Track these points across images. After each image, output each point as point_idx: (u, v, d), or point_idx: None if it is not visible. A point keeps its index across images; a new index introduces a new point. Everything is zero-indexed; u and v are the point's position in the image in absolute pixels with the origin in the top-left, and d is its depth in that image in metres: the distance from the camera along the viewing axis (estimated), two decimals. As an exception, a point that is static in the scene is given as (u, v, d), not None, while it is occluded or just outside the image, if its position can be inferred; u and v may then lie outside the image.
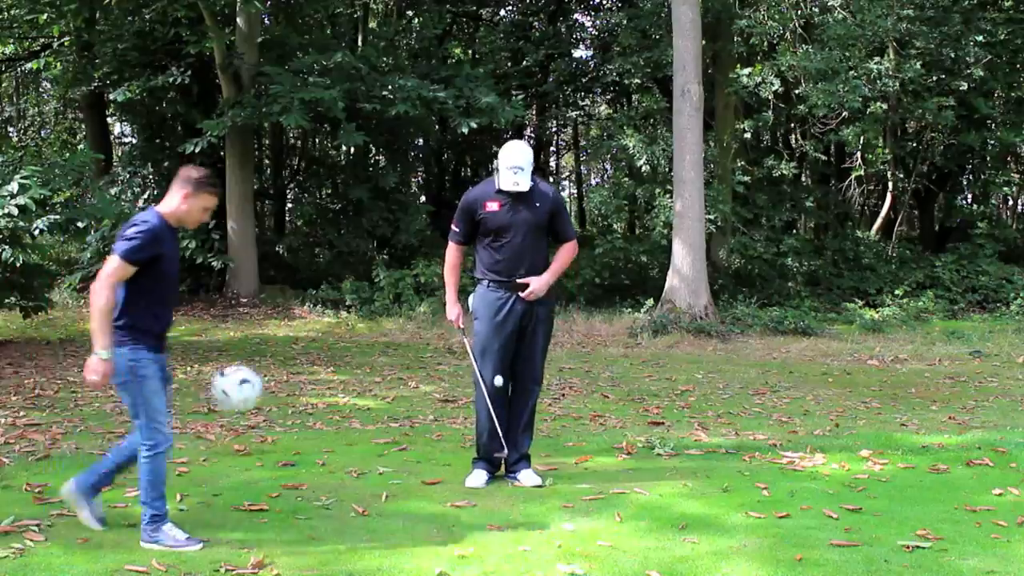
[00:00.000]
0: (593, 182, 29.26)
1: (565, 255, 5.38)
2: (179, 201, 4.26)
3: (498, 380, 5.13)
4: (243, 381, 4.45)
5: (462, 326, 5.32)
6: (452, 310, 5.34)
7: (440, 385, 8.92)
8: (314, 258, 18.70)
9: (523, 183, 5.07)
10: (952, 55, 15.63)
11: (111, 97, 15.73)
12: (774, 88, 15.21)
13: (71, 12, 15.41)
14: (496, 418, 5.12)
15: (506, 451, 5.15)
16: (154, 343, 4.18)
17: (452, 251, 5.38)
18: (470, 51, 23.50)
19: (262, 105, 13.98)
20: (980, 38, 15.45)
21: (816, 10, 15.68)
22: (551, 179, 26.01)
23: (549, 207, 5.21)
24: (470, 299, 5.34)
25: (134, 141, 18.15)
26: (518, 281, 5.14)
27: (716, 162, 16.45)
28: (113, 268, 4.02)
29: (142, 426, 4.15)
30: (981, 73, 15.42)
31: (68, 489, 4.31)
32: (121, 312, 4.09)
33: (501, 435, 5.13)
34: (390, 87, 14.56)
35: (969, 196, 21.20)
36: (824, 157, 18.95)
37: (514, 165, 5.06)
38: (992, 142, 18.38)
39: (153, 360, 4.15)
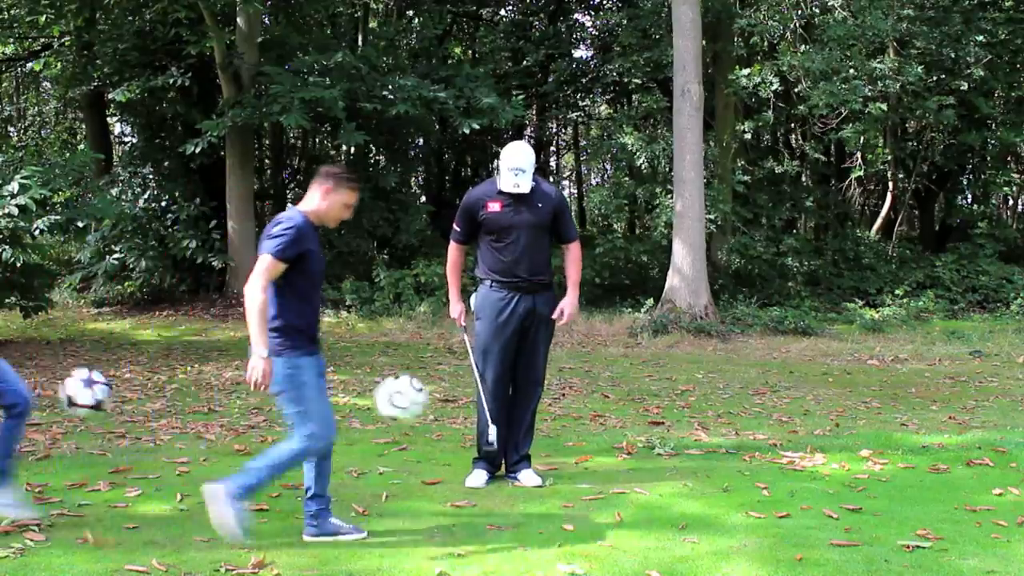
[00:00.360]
0: (593, 182, 29.27)
1: (576, 261, 5.39)
2: (320, 198, 4.19)
3: (491, 433, 5.11)
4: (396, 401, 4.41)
5: (464, 324, 5.33)
6: (455, 308, 5.37)
7: (440, 385, 8.92)
8: (314, 258, 18.68)
9: (524, 185, 5.07)
10: (952, 55, 15.63)
11: (111, 97, 15.75)
12: (774, 88, 15.22)
13: (71, 12, 15.41)
14: (492, 415, 5.11)
15: (495, 445, 5.12)
16: (310, 345, 4.15)
17: (453, 250, 5.39)
18: (470, 51, 23.50)
19: (262, 105, 13.98)
20: (980, 38, 15.45)
21: (816, 10, 15.69)
22: (551, 179, 25.97)
23: (551, 208, 5.21)
24: (472, 299, 5.35)
25: (134, 141, 18.14)
26: (553, 317, 5.24)
27: (716, 162, 16.46)
28: (264, 267, 3.99)
29: (305, 432, 4.09)
30: (981, 73, 15.42)
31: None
32: (274, 316, 4.06)
33: (493, 430, 5.10)
34: (390, 87, 14.56)
35: (969, 196, 21.21)
36: (824, 157, 18.96)
37: (515, 167, 5.05)
38: (992, 142, 18.39)
39: (310, 364, 4.11)
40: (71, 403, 4.30)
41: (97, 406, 4.33)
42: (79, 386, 4.28)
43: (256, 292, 3.96)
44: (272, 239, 4.03)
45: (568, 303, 5.29)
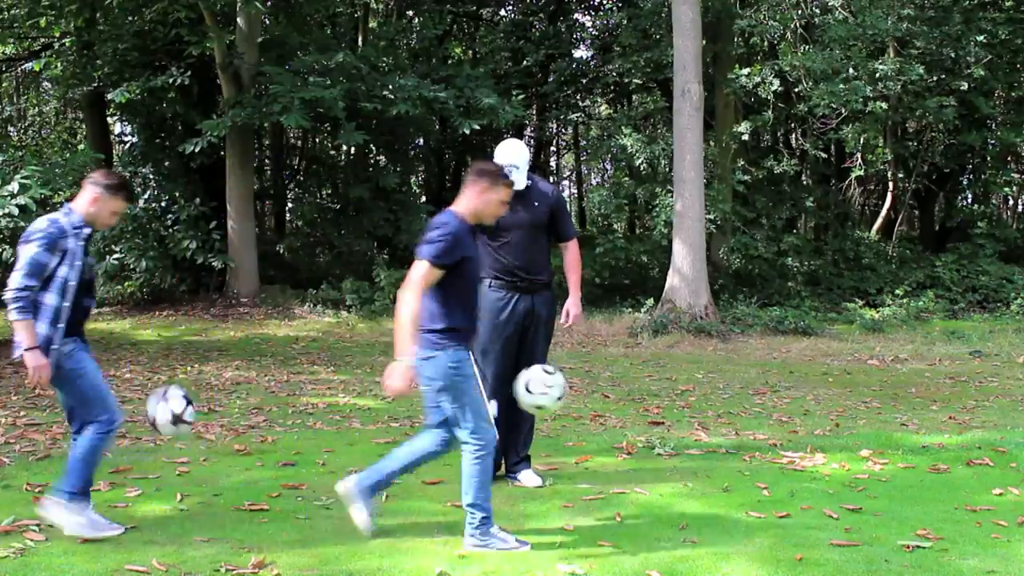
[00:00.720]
0: (593, 182, 29.28)
1: (576, 261, 5.39)
2: (475, 196, 4.19)
3: (492, 407, 5.13)
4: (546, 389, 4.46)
5: None
6: None
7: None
8: (314, 258, 18.71)
9: (518, 181, 5.07)
10: (953, 55, 15.64)
11: (111, 97, 15.79)
12: (774, 88, 15.22)
13: (71, 13, 15.42)
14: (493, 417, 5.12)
15: (500, 463, 5.16)
16: (468, 344, 4.17)
17: None
18: (470, 51, 23.50)
19: (262, 105, 13.99)
20: (981, 38, 15.46)
21: (816, 10, 15.69)
22: (551, 179, 25.97)
23: (548, 206, 5.21)
24: None
25: (134, 141, 18.15)
26: (561, 323, 5.30)
27: (716, 162, 16.46)
28: (422, 273, 3.98)
29: (468, 428, 4.08)
30: (982, 73, 15.43)
31: (348, 487, 4.20)
32: (439, 317, 4.06)
33: (494, 404, 5.10)
34: (390, 87, 14.57)
35: (969, 196, 21.21)
36: (824, 156, 18.97)
37: (508, 163, 5.06)
38: (992, 142, 18.40)
39: (470, 361, 4.14)
40: (153, 425, 4.32)
41: (176, 420, 4.31)
42: (153, 403, 4.32)
43: (411, 299, 3.95)
44: (430, 244, 4.02)
45: (572, 305, 5.31)
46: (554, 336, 5.60)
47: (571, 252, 5.38)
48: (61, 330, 4.05)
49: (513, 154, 5.08)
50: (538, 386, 4.46)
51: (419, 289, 3.96)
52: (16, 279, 3.97)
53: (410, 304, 3.94)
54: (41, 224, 4.06)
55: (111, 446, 4.19)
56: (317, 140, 21.25)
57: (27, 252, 4.00)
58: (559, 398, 4.52)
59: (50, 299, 4.02)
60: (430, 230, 4.08)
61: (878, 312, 14.99)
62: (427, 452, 4.26)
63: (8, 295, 3.97)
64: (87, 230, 4.15)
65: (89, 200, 4.16)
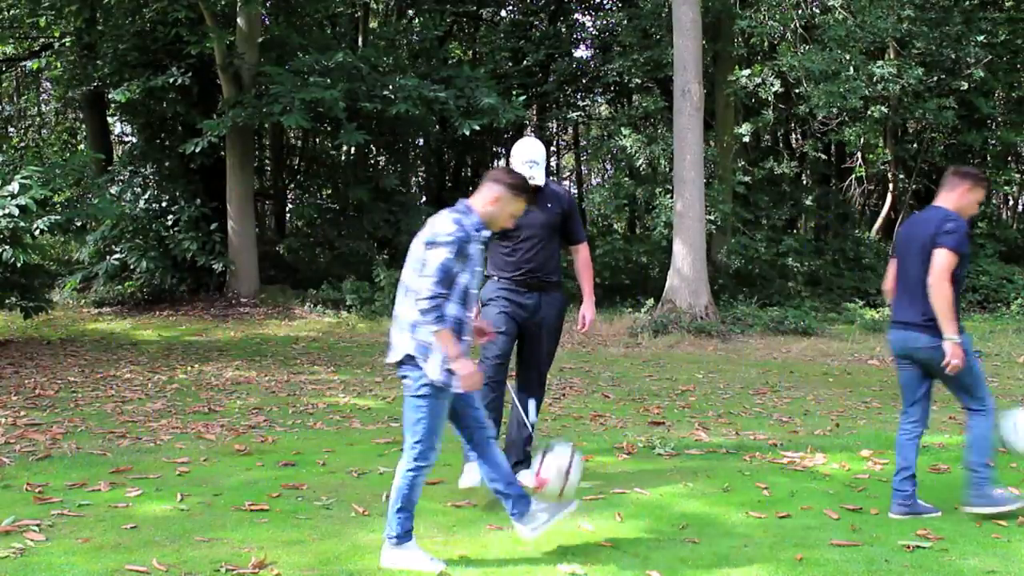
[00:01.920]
0: (593, 182, 29.26)
1: (587, 265, 5.39)
2: (958, 197, 4.63)
3: (531, 409, 5.12)
4: None
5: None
6: None
7: (440, 385, 8.90)
8: (314, 258, 18.70)
9: (538, 177, 5.08)
10: (953, 55, 15.65)
11: (111, 97, 15.76)
12: (774, 89, 15.22)
13: (71, 13, 15.42)
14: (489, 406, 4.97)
15: (534, 423, 5.13)
16: (962, 332, 4.56)
17: None
18: (470, 51, 23.51)
19: (263, 105, 13.98)
20: (981, 38, 15.47)
21: (816, 10, 15.69)
22: (552, 178, 25.87)
23: (561, 209, 5.20)
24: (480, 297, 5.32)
25: (134, 141, 18.13)
26: (579, 330, 5.36)
27: (716, 162, 16.46)
28: (948, 262, 4.45)
29: (982, 396, 4.69)
30: (982, 73, 15.43)
31: (900, 513, 4.64)
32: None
33: (533, 403, 5.07)
34: (391, 87, 14.57)
35: (970, 196, 21.15)
36: (824, 157, 18.97)
37: (529, 159, 5.08)
38: (992, 142, 18.39)
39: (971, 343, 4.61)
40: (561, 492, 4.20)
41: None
42: (560, 475, 4.22)
43: (944, 285, 4.44)
44: (951, 234, 4.47)
45: (587, 310, 5.30)
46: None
47: (582, 256, 5.38)
48: (467, 343, 3.78)
49: (532, 150, 5.12)
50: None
51: (947, 276, 4.44)
52: (428, 287, 3.65)
53: (944, 291, 4.43)
54: (448, 227, 3.73)
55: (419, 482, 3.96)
56: (317, 140, 21.23)
57: (437, 257, 3.68)
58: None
59: (452, 309, 3.73)
60: (946, 221, 4.51)
61: (878, 312, 14.99)
62: (985, 433, 4.75)
63: (423, 305, 3.65)
64: (486, 232, 3.89)
65: (490, 199, 3.90)
